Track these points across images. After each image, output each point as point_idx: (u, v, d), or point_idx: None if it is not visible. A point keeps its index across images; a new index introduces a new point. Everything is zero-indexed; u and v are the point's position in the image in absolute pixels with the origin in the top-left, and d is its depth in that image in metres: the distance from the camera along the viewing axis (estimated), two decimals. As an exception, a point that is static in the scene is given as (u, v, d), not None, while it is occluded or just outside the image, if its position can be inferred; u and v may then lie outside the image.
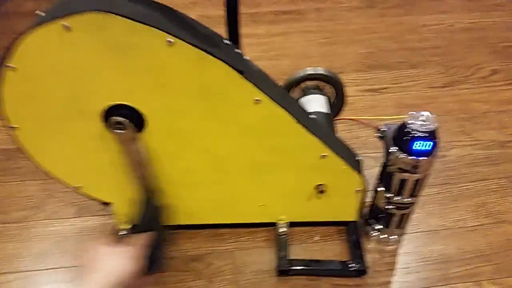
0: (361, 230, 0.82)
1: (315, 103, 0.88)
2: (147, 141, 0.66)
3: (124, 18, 0.53)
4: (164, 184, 0.74)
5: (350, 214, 0.81)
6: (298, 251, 0.80)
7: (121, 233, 0.79)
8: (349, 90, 1.13)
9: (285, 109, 0.65)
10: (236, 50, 0.65)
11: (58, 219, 0.86)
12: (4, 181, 0.93)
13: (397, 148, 0.69)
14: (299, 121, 0.67)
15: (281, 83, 0.93)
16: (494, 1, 1.51)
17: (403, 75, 1.20)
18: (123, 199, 0.76)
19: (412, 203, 0.75)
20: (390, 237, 0.81)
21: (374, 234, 0.81)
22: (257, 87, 0.62)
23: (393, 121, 0.73)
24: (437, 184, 0.92)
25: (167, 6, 0.60)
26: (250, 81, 0.62)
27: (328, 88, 0.94)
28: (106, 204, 0.78)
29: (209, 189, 0.75)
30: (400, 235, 0.82)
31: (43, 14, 0.56)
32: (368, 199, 0.80)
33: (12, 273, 0.78)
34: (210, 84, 0.61)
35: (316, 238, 0.83)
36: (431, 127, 0.66)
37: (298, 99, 0.91)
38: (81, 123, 0.64)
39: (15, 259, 0.80)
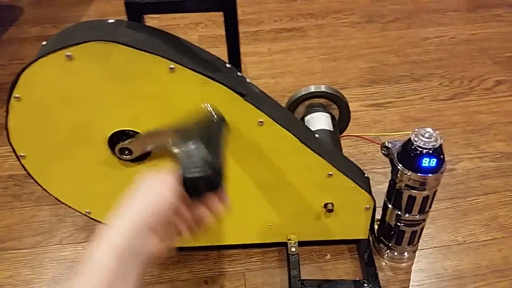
0: (372, 248, 0.81)
1: (320, 121, 0.87)
2: (153, 165, 0.66)
3: (125, 47, 0.53)
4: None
5: (360, 232, 0.80)
6: (309, 271, 0.79)
7: None
8: (353, 106, 1.13)
9: (289, 130, 0.65)
10: (238, 74, 0.65)
11: (70, 243, 0.86)
12: (16, 207, 0.93)
13: (402, 165, 0.68)
14: (303, 141, 0.67)
15: (284, 100, 0.93)
16: (494, 11, 1.52)
17: (407, 89, 1.20)
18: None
19: (422, 220, 0.74)
20: (403, 254, 0.80)
21: (386, 251, 0.80)
22: (260, 109, 0.62)
23: (398, 137, 0.73)
24: (447, 198, 0.90)
25: (168, 33, 0.60)
26: (253, 104, 0.62)
27: (332, 105, 0.93)
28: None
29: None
30: (413, 251, 0.80)
31: (46, 44, 0.56)
32: (378, 215, 0.79)
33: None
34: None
35: (327, 257, 0.82)
36: (436, 143, 0.65)
37: (302, 117, 0.90)
38: (87, 150, 0.64)
39: (29, 286, 0.79)
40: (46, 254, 0.84)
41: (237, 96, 0.60)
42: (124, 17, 0.61)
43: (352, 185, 0.72)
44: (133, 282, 0.43)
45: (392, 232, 0.77)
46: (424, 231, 0.78)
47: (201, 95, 0.59)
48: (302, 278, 0.76)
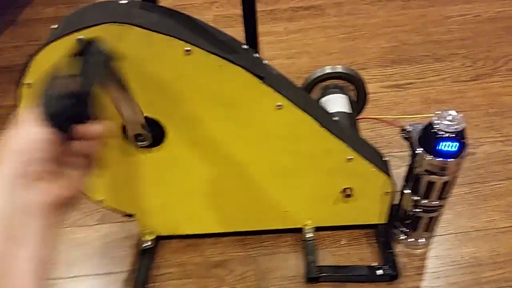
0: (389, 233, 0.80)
1: (336, 103, 0.85)
2: (169, 151, 0.65)
3: (140, 28, 0.52)
4: (187, 194, 0.73)
5: (378, 217, 0.79)
6: (325, 256, 0.78)
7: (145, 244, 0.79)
8: (372, 87, 1.11)
9: (308, 113, 0.64)
10: (255, 55, 0.63)
11: (81, 226, 0.86)
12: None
13: (423, 149, 0.66)
14: (323, 124, 0.65)
15: (300, 82, 0.91)
16: (523, -13, 1.45)
17: (428, 69, 1.16)
18: (146, 210, 0.76)
19: (440, 206, 0.72)
20: (419, 240, 0.79)
21: (401, 237, 0.79)
22: (278, 92, 0.61)
23: (418, 119, 0.71)
24: (466, 183, 0.88)
25: (183, 13, 0.59)
26: (271, 87, 0.60)
27: (349, 86, 0.91)
28: (129, 215, 0.78)
29: (233, 197, 0.74)
30: (429, 238, 0.79)
31: (56, 28, 0.55)
32: (395, 201, 0.78)
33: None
34: (231, 91, 0.60)
35: (342, 242, 0.81)
36: (459, 127, 0.63)
37: (318, 99, 0.89)
38: (101, 136, 0.64)
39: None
40: (58, 236, 0.85)
41: (255, 79, 0.59)
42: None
43: (372, 169, 0.71)
44: (36, 238, 0.39)
45: (409, 218, 0.75)
46: (441, 217, 0.76)
47: (218, 78, 0.58)
48: (319, 264, 0.76)
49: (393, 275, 0.74)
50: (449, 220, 0.83)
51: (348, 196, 0.74)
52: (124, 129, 0.62)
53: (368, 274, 0.75)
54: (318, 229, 0.80)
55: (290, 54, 1.25)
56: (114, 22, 0.51)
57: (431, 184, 0.68)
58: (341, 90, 0.90)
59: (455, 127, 0.63)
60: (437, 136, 0.63)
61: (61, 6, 1.55)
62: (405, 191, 0.73)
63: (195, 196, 0.74)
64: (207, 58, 0.55)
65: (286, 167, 0.70)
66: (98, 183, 0.71)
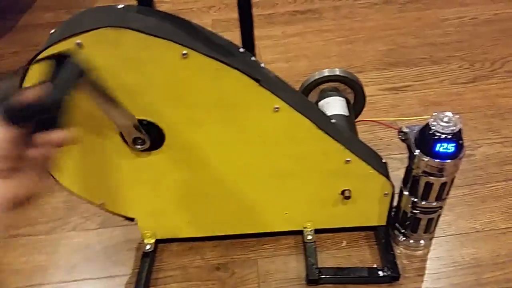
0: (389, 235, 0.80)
1: (334, 106, 0.86)
2: (168, 155, 0.65)
3: (137, 32, 0.52)
4: (187, 197, 0.73)
5: (378, 218, 0.79)
6: (325, 258, 0.78)
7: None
8: (370, 90, 1.11)
9: (305, 115, 0.64)
10: (252, 58, 0.64)
11: (83, 230, 0.87)
12: (30, 194, 0.94)
13: (420, 151, 0.66)
14: (320, 127, 0.65)
15: (298, 85, 0.92)
16: (519, -10, 1.46)
17: (426, 72, 1.17)
18: (146, 214, 0.76)
19: (439, 207, 0.72)
20: (419, 242, 0.79)
21: (401, 239, 0.79)
22: (275, 94, 0.61)
23: (417, 122, 0.71)
24: (465, 184, 0.88)
25: (180, 17, 0.59)
26: (268, 89, 0.60)
27: (347, 89, 0.91)
28: (130, 219, 0.78)
29: (233, 199, 0.74)
30: (429, 239, 0.79)
31: (54, 32, 0.55)
32: (394, 203, 0.78)
33: (43, 285, 0.79)
34: (228, 94, 0.60)
35: (343, 244, 0.81)
36: (455, 128, 0.63)
37: (317, 102, 0.89)
38: (100, 140, 0.64)
39: (44, 271, 0.80)
40: (60, 240, 0.85)
41: (252, 81, 0.59)
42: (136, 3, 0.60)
43: (371, 171, 0.71)
44: None
45: (408, 220, 0.75)
46: (441, 219, 0.76)
47: (215, 81, 0.58)
48: (319, 266, 0.76)
49: (393, 277, 0.74)
50: (449, 221, 0.83)
51: (347, 198, 0.74)
52: (121, 134, 0.62)
53: (369, 276, 0.75)
54: (318, 231, 0.80)
55: (288, 57, 1.26)
56: (110, 27, 0.52)
57: (429, 185, 0.69)
58: (339, 92, 0.90)
59: (452, 128, 0.63)
60: (434, 137, 0.64)
61: (60, 11, 1.55)
62: (404, 193, 0.73)
63: (195, 199, 0.74)
64: (204, 62, 0.56)
65: (285, 169, 0.70)
66: (97, 187, 0.71)
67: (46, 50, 0.53)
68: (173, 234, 0.81)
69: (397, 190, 0.76)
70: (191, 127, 0.63)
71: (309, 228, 0.80)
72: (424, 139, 0.65)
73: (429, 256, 0.78)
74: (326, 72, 0.89)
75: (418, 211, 0.73)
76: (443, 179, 0.67)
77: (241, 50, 0.63)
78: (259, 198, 0.74)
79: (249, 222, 0.79)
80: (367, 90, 0.92)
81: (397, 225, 0.79)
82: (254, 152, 0.67)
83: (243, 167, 0.69)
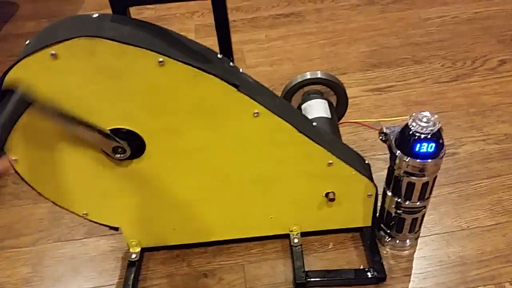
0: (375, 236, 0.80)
1: (317, 109, 0.86)
2: (150, 162, 0.65)
3: (112, 41, 0.52)
4: (171, 204, 0.73)
5: (363, 219, 0.79)
6: (312, 261, 0.78)
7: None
8: (354, 91, 1.11)
9: (286, 119, 0.64)
10: (230, 64, 0.64)
11: (69, 240, 0.86)
12: (14, 205, 0.93)
13: (401, 151, 0.66)
14: (301, 130, 0.65)
15: (283, 88, 0.92)
16: (498, -12, 1.48)
17: (409, 72, 1.18)
18: (131, 223, 0.76)
19: (423, 207, 0.73)
20: (404, 242, 0.79)
21: (387, 239, 0.79)
22: (255, 99, 0.61)
23: (399, 121, 0.71)
24: (450, 183, 0.89)
25: (155, 25, 0.59)
26: (247, 94, 0.60)
27: (330, 91, 0.92)
28: (114, 228, 0.77)
29: (217, 205, 0.74)
30: (415, 239, 0.79)
31: (29, 43, 0.55)
32: (379, 203, 0.78)
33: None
34: (207, 100, 0.60)
35: (329, 246, 0.81)
36: (434, 127, 0.63)
37: (300, 105, 0.89)
38: (80, 151, 0.63)
39: (29, 284, 0.79)
40: (45, 251, 0.84)
41: (231, 87, 0.59)
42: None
43: (353, 173, 0.71)
44: None
45: (393, 220, 0.75)
46: (426, 218, 0.77)
47: (193, 88, 0.58)
48: (306, 269, 0.76)
49: (380, 278, 0.74)
50: (434, 220, 0.83)
51: (332, 200, 0.74)
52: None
53: (356, 277, 0.75)
54: (304, 234, 0.80)
55: (272, 61, 1.26)
56: (84, 36, 0.51)
57: (411, 185, 0.69)
58: (322, 95, 0.90)
59: (431, 128, 0.63)
60: (414, 138, 0.64)
61: (42, 20, 1.54)
62: (387, 193, 0.74)
63: (179, 206, 0.74)
64: (181, 69, 0.55)
65: (268, 173, 0.70)
66: (80, 198, 0.70)
67: (21, 61, 0.53)
68: (159, 242, 0.80)
69: (382, 191, 0.76)
70: (171, 134, 0.63)
71: (295, 231, 0.80)
72: (404, 140, 0.65)
73: (415, 255, 0.79)
74: (308, 75, 0.89)
75: (402, 211, 0.73)
76: (424, 179, 0.68)
77: (219, 56, 0.63)
78: (243, 203, 0.74)
79: (235, 227, 0.79)
80: (351, 92, 0.92)
81: (382, 225, 0.79)
82: (236, 158, 0.67)
83: (226, 172, 0.69)
